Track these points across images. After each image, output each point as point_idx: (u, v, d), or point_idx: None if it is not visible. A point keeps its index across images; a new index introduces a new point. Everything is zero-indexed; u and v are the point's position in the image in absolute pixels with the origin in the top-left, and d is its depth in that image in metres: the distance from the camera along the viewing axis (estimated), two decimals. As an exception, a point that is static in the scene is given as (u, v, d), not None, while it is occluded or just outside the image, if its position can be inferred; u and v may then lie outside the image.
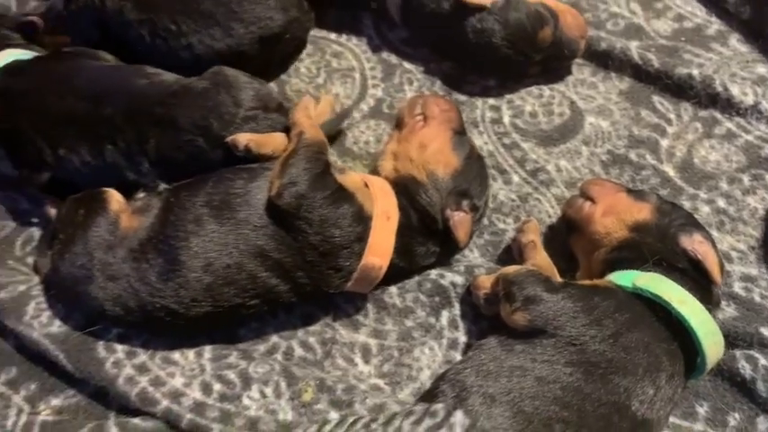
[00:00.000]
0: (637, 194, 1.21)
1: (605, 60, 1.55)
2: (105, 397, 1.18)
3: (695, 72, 1.48)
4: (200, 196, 1.16)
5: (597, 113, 1.49)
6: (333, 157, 1.40)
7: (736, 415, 1.15)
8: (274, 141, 1.22)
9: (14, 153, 1.35)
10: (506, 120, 1.49)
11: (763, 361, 1.15)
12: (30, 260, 1.33)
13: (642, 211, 1.16)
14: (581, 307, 1.04)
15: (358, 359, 1.22)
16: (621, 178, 1.40)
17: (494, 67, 1.51)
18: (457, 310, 1.26)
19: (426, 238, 1.22)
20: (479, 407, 0.97)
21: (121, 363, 1.18)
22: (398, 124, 1.34)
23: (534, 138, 1.46)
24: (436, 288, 1.27)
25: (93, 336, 1.20)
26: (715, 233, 1.31)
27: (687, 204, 1.34)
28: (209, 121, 1.23)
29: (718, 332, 1.05)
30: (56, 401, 1.19)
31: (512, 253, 1.29)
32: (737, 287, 1.26)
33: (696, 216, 1.22)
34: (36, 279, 1.28)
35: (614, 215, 1.17)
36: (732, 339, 1.18)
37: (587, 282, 1.13)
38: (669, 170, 1.41)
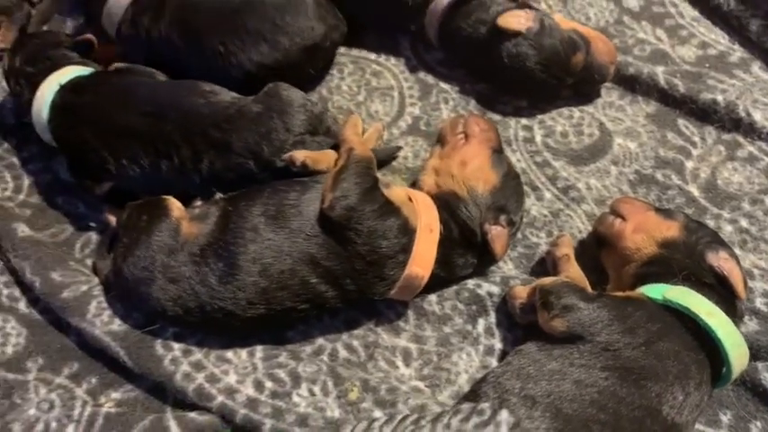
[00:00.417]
0: (665, 213, 1.28)
1: (633, 84, 1.63)
2: (162, 392, 1.25)
3: (719, 98, 1.56)
4: (256, 206, 1.24)
5: (625, 135, 1.57)
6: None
7: (758, 423, 1.22)
8: (328, 158, 1.31)
9: (78, 163, 1.43)
10: (538, 139, 1.57)
11: (783, 373, 1.22)
12: (88, 262, 1.41)
13: (671, 229, 1.23)
14: (615, 315, 1.11)
15: (399, 362, 1.29)
16: (648, 197, 1.47)
17: (527, 89, 1.59)
18: (493, 318, 1.33)
19: (466, 250, 1.30)
20: (521, 408, 1.04)
21: (178, 360, 1.25)
22: (440, 142, 1.42)
23: (565, 157, 1.54)
24: (473, 297, 1.34)
25: (151, 334, 1.28)
26: (738, 251, 1.37)
27: (711, 223, 1.41)
28: (262, 147, 1.31)
29: (744, 344, 1.12)
30: (115, 395, 1.26)
31: (545, 265, 1.37)
32: (759, 303, 1.33)
33: (720, 235, 1.29)
34: (96, 280, 1.36)
35: (644, 232, 1.25)
36: (755, 352, 1.24)
37: (620, 293, 1.20)
38: (694, 190, 1.48)
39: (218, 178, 1.34)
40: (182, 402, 1.24)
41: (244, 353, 1.28)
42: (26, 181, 1.53)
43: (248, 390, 1.23)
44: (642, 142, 1.56)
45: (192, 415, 1.21)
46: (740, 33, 1.73)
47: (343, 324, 1.33)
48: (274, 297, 1.21)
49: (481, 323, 1.33)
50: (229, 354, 1.28)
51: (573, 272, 1.28)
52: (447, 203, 1.29)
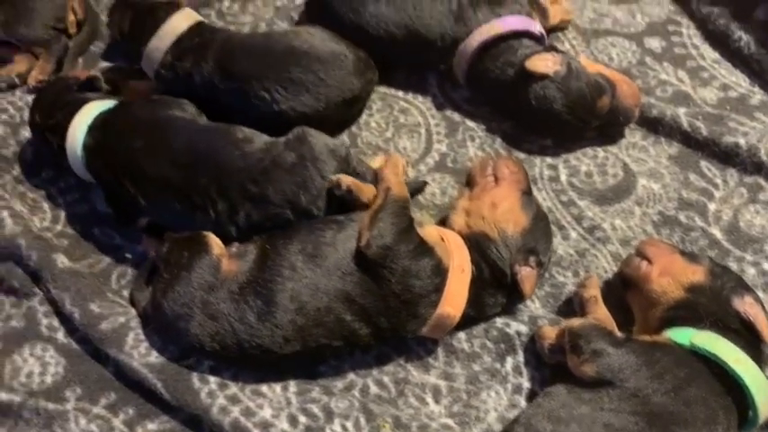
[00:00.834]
0: (690, 257, 1.31)
1: (656, 126, 1.67)
2: (198, 424, 1.28)
3: (741, 141, 1.59)
4: (294, 244, 1.28)
5: (649, 176, 1.60)
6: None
7: (783, 467, 1.24)
8: (369, 191, 1.35)
9: (114, 200, 1.48)
10: (563, 178, 1.61)
11: (808, 417, 1.25)
12: (125, 293, 1.45)
13: (696, 274, 1.26)
14: (644, 361, 1.14)
15: (429, 399, 1.32)
16: (672, 238, 1.50)
17: (553, 130, 1.63)
18: (521, 357, 1.36)
19: (496, 290, 1.33)
20: (553, 450, 1.07)
21: (214, 393, 1.29)
22: (469, 183, 1.46)
23: (590, 196, 1.58)
24: (502, 336, 1.38)
25: (188, 367, 1.32)
26: (761, 294, 1.40)
27: (734, 266, 1.44)
28: (299, 196, 1.34)
29: (770, 389, 1.15)
30: (152, 426, 1.29)
31: (572, 305, 1.40)
32: (783, 346, 1.35)
33: (743, 278, 1.32)
34: (133, 311, 1.40)
35: (670, 276, 1.28)
36: (779, 395, 1.27)
37: (647, 338, 1.23)
38: (717, 233, 1.51)
39: (254, 228, 1.37)
40: (217, 435, 1.27)
41: (278, 387, 1.31)
42: (63, 212, 1.57)
43: (283, 424, 1.26)
44: (665, 183, 1.59)
45: (228, 448, 1.24)
46: (761, 77, 1.76)
47: (374, 359, 1.36)
48: (310, 334, 1.25)
49: (509, 361, 1.36)
50: (264, 388, 1.31)
51: (600, 313, 1.31)
52: (478, 244, 1.32)
